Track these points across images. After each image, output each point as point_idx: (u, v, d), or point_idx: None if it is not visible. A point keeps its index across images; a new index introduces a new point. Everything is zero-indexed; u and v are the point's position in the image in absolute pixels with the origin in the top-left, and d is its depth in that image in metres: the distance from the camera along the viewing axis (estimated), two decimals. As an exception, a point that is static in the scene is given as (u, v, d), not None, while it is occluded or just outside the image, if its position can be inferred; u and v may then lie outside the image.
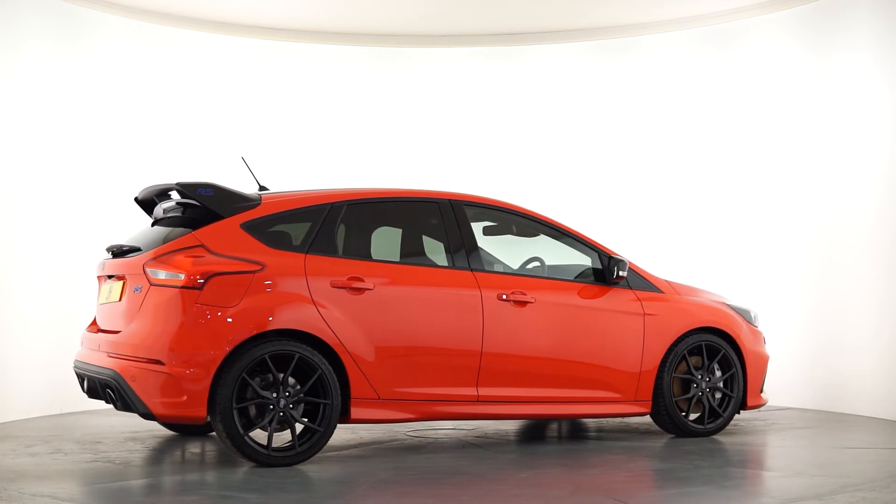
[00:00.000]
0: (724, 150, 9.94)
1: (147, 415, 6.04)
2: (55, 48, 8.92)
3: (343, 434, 7.57)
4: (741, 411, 7.61)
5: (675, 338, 7.26)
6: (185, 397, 5.92)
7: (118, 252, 6.58)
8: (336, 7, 9.75)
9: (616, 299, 7.17)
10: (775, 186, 9.56)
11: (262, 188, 7.18)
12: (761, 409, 8.74)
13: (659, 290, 7.36)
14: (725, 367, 7.44)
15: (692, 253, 9.98)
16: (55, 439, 7.28)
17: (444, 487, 5.65)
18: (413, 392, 6.51)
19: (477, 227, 7.51)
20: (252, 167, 7.54)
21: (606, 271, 7.16)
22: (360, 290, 6.39)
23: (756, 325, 7.80)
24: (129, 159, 9.43)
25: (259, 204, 6.44)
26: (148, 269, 6.15)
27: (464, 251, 6.84)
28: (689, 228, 10.09)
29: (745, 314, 7.72)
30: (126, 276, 6.39)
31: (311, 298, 6.24)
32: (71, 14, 9.05)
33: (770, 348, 8.01)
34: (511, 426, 8.03)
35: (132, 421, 7.93)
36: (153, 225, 6.71)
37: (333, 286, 6.32)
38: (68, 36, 9.05)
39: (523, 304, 6.85)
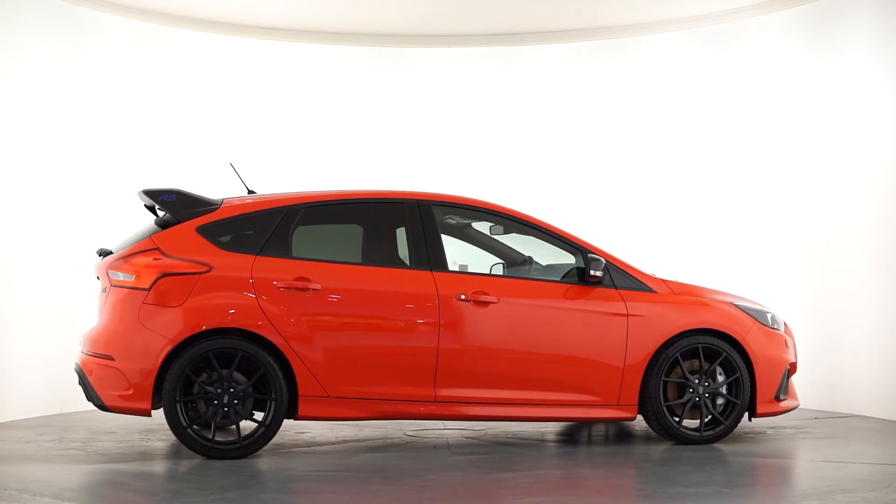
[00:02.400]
0: (725, 150, 9.92)
1: (102, 406, 6.50)
2: (55, 48, 8.94)
3: (344, 430, 7.61)
4: (752, 419, 7.22)
5: (664, 339, 6.95)
6: (131, 391, 6.39)
7: (101, 254, 6.97)
8: (336, 7, 9.75)
9: (595, 299, 6.94)
10: (775, 187, 9.54)
11: (250, 192, 7.28)
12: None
13: (651, 290, 7.05)
14: (731, 371, 7.05)
15: (693, 253, 9.97)
16: (54, 433, 7.32)
17: (330, 485, 5.77)
18: (365, 391, 6.62)
19: (480, 228, 7.52)
20: (243, 170, 7.70)
21: (585, 271, 6.95)
22: (306, 291, 6.60)
23: (774, 327, 7.29)
24: (129, 159, 9.45)
25: (217, 208, 6.75)
26: (109, 272, 6.61)
27: (425, 251, 6.84)
28: (689, 229, 10.08)
29: (758, 315, 7.24)
30: (100, 277, 6.82)
31: (256, 298, 6.52)
32: (71, 14, 9.07)
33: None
34: (541, 428, 7.86)
35: (137, 420, 7.95)
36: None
37: (280, 286, 6.57)
38: (68, 36, 9.06)
39: (485, 304, 6.79)
